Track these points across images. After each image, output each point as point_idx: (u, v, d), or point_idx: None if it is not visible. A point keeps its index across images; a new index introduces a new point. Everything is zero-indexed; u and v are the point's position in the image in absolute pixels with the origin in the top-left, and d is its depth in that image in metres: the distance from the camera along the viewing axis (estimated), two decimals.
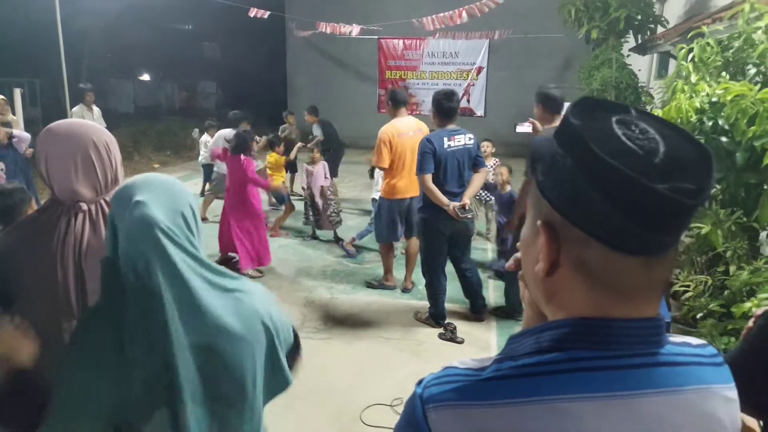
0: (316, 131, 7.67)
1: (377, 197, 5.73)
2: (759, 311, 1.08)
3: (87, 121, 1.37)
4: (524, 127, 6.09)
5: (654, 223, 0.54)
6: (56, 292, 1.18)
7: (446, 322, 4.13)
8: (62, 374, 1.02)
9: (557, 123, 4.29)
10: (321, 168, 6.00)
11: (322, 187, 5.94)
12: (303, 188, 6.20)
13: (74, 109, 7.54)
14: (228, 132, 6.35)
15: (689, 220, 0.57)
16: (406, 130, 4.56)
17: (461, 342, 3.94)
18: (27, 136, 5.81)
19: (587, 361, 0.58)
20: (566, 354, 0.58)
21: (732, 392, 0.63)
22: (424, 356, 3.73)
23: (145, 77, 23.05)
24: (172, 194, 1.09)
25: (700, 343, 0.66)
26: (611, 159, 0.53)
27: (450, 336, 3.99)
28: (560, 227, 0.59)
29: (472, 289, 4.26)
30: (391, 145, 4.49)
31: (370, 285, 4.97)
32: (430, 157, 3.84)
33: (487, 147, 6.03)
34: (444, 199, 3.83)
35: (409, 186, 4.58)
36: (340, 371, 3.52)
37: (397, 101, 4.67)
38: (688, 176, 0.54)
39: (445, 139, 3.88)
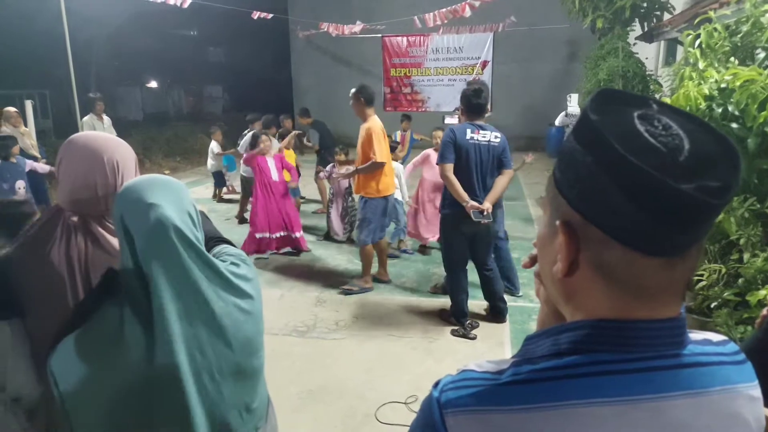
0: (313, 135, 7.69)
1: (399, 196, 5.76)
2: None
3: (108, 136, 1.36)
4: (453, 119, 6.12)
5: (677, 223, 0.52)
6: (65, 303, 1.20)
7: (468, 321, 4.12)
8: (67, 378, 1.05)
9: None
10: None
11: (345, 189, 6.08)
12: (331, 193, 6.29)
13: (84, 119, 7.62)
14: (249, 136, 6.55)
15: (714, 219, 0.55)
16: (382, 127, 4.60)
17: (474, 338, 3.93)
18: (46, 169, 6.01)
19: (609, 365, 0.56)
20: (587, 357, 0.57)
21: (756, 390, 0.62)
22: (437, 354, 3.73)
23: (153, 84, 23.24)
24: (178, 194, 1.15)
25: (721, 340, 0.64)
26: (634, 158, 0.51)
27: (462, 333, 3.98)
28: (579, 227, 0.57)
29: (492, 290, 4.16)
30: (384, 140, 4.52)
31: (348, 291, 4.76)
32: (450, 145, 3.74)
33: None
34: (464, 194, 3.72)
35: (391, 183, 4.71)
36: (353, 370, 3.53)
37: (370, 99, 4.61)
38: (714, 174, 0.52)
39: (469, 130, 3.77)
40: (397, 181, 5.66)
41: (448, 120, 6.71)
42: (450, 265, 4.08)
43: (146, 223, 1.06)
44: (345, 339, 3.97)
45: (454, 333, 4.01)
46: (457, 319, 4.10)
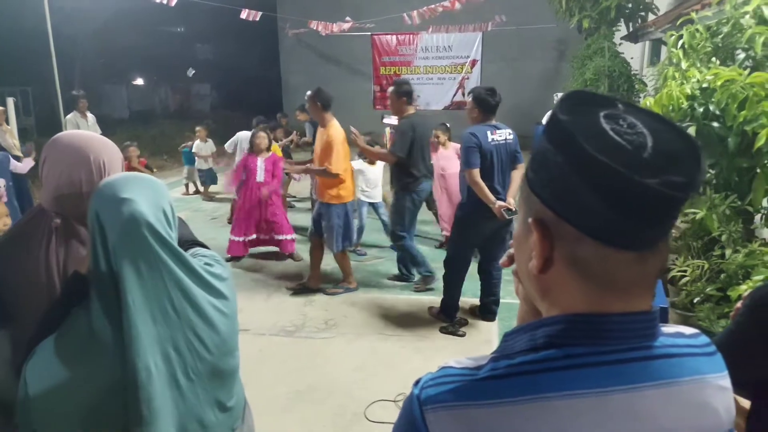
0: (309, 128, 7.68)
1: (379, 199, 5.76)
2: (747, 293, 1.10)
3: (94, 135, 1.33)
4: (391, 120, 6.17)
5: (645, 217, 0.54)
6: (44, 307, 1.17)
7: (459, 317, 4.15)
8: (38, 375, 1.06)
9: (411, 111, 4.33)
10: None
11: None
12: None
13: (68, 116, 7.54)
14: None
15: (678, 213, 0.58)
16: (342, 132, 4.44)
17: (462, 335, 3.96)
18: (24, 168, 5.93)
19: (583, 358, 0.58)
20: (562, 351, 0.58)
21: (725, 381, 0.64)
22: (426, 352, 3.75)
23: (139, 81, 23.00)
24: (155, 191, 1.14)
25: (693, 333, 0.66)
26: (600, 155, 0.53)
27: (452, 330, 4.01)
28: (552, 224, 0.59)
29: (493, 290, 4.19)
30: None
31: (333, 293, 4.73)
32: (476, 151, 3.72)
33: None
34: (491, 196, 3.73)
35: (352, 188, 4.68)
36: (342, 369, 3.55)
37: (327, 103, 4.42)
38: (678, 169, 0.54)
39: (489, 132, 3.78)
40: (364, 183, 5.67)
41: (386, 120, 6.76)
42: (458, 264, 4.06)
43: (119, 218, 1.06)
44: (334, 338, 3.98)
45: (443, 330, 4.03)
46: (448, 315, 4.11)
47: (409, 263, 4.91)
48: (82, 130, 7.36)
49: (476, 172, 3.73)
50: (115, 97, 20.56)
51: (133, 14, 15.18)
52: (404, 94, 4.50)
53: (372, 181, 5.75)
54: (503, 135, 3.85)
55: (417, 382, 0.64)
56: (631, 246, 0.56)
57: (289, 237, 5.59)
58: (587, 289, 0.59)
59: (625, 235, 0.55)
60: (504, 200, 3.79)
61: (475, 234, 3.97)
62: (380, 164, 5.83)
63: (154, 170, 8.42)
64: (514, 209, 3.75)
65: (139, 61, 20.47)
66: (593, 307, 0.59)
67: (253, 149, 5.59)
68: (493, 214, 3.73)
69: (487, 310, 4.23)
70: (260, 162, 5.54)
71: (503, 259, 0.76)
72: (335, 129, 4.38)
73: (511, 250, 0.70)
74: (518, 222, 0.67)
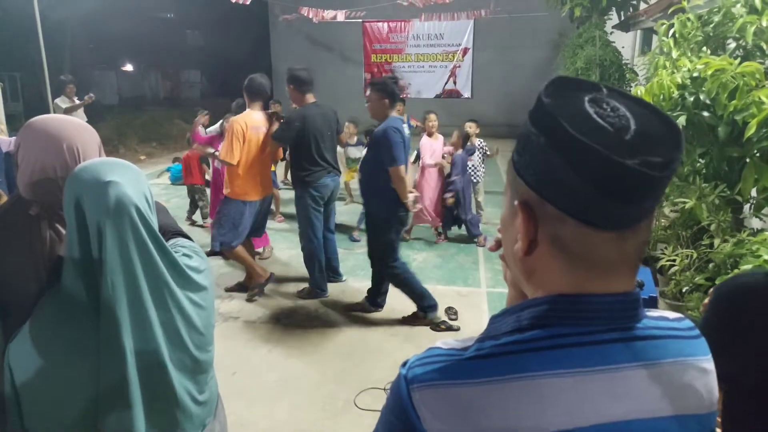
0: None
1: None
2: (712, 289, 1.09)
3: (69, 119, 1.29)
4: (63, 101, 6.14)
5: (625, 197, 0.55)
6: (28, 295, 1.16)
7: (447, 307, 4.13)
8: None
9: (309, 101, 4.06)
10: None
11: None
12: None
13: (56, 100, 7.43)
14: None
15: (659, 193, 0.58)
16: (260, 124, 4.15)
17: (458, 329, 3.90)
18: (6, 141, 5.76)
19: (566, 338, 0.59)
20: (546, 331, 0.59)
21: (708, 364, 0.65)
22: (416, 341, 3.76)
23: (129, 68, 22.69)
24: (136, 176, 1.13)
25: (677, 317, 0.67)
26: (582, 136, 0.54)
27: (447, 325, 3.91)
28: (536, 206, 0.59)
29: (381, 285, 4.09)
30: (244, 138, 4.03)
31: (252, 299, 4.35)
32: (402, 146, 3.65)
33: (471, 128, 5.98)
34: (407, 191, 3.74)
35: (252, 189, 4.17)
36: (331, 358, 3.55)
37: (253, 92, 4.19)
38: (657, 150, 0.55)
39: (405, 126, 3.75)
40: None
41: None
42: (394, 264, 3.84)
43: (105, 201, 1.04)
44: (323, 326, 3.99)
45: (436, 329, 3.88)
46: (426, 310, 3.89)
47: (314, 271, 4.40)
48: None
49: (403, 168, 3.66)
50: (104, 83, 20.27)
51: (122, 0, 14.94)
52: (292, 80, 4.19)
53: None
54: (406, 128, 3.80)
55: (405, 363, 0.65)
56: (611, 225, 0.57)
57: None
58: (570, 269, 0.60)
59: (605, 214, 0.56)
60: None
61: (397, 231, 3.89)
62: None
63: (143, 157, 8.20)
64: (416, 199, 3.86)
65: (129, 47, 20.19)
66: (576, 288, 0.60)
67: (222, 133, 5.27)
68: (405, 208, 3.75)
69: (372, 303, 4.15)
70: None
71: (491, 244, 0.77)
72: (242, 117, 4.10)
73: (498, 235, 0.71)
74: (505, 205, 0.67)
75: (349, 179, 7.04)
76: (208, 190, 6.12)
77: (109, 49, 19.34)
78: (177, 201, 7.55)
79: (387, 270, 3.89)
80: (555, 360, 0.58)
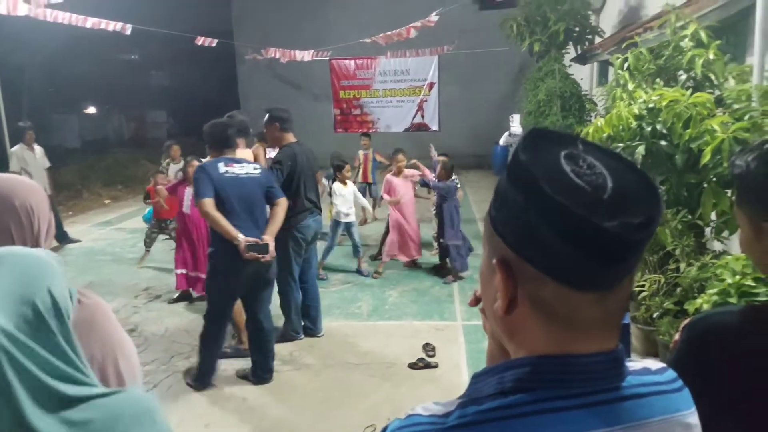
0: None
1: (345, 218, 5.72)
2: (685, 322, 1.09)
3: (18, 179, 1.27)
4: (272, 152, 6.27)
5: (606, 259, 0.54)
6: None
7: (424, 343, 4.08)
8: None
9: (291, 140, 3.93)
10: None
11: None
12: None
13: (14, 148, 7.22)
14: None
15: (640, 252, 0.57)
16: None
17: (436, 366, 3.82)
18: None
19: (552, 402, 0.57)
20: (530, 395, 0.57)
21: (693, 417, 0.64)
22: (394, 380, 3.69)
23: (91, 110, 22.37)
24: (23, 277, 0.82)
25: (660, 368, 0.66)
26: (560, 197, 0.53)
27: (425, 363, 3.84)
28: (516, 265, 0.58)
29: (264, 346, 3.62)
30: None
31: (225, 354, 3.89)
32: (207, 180, 3.26)
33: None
34: (233, 230, 3.21)
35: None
36: (307, 403, 3.44)
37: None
38: (636, 210, 0.54)
39: (221, 165, 3.35)
40: (342, 200, 5.66)
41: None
42: (216, 320, 3.51)
43: None
44: (300, 370, 3.87)
45: (414, 367, 3.79)
46: (201, 382, 3.54)
47: (290, 313, 4.20)
48: (29, 162, 7.05)
49: (207, 201, 3.22)
50: (65, 127, 19.86)
51: (85, 42, 14.82)
52: (275, 119, 4.03)
53: (348, 201, 5.73)
54: (245, 169, 3.42)
55: (384, 430, 0.62)
56: (592, 287, 0.56)
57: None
58: (551, 330, 0.58)
59: (587, 276, 0.55)
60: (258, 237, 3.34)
61: (229, 279, 3.39)
62: (350, 183, 5.85)
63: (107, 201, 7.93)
64: (261, 243, 3.29)
65: (92, 90, 19.95)
66: (559, 348, 0.58)
67: (186, 178, 5.08)
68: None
69: (261, 375, 3.63)
70: (189, 192, 4.92)
71: (470, 299, 0.75)
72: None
73: (478, 289, 0.70)
74: (483, 260, 0.66)
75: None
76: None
77: (70, 92, 19.07)
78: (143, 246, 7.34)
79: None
80: (541, 426, 0.56)
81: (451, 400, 0.63)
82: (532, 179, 0.54)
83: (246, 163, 3.53)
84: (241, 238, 3.22)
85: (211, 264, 3.47)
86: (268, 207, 3.62)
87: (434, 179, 5.79)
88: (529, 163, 0.56)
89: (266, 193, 3.51)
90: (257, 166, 3.55)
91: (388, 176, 5.90)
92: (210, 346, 3.54)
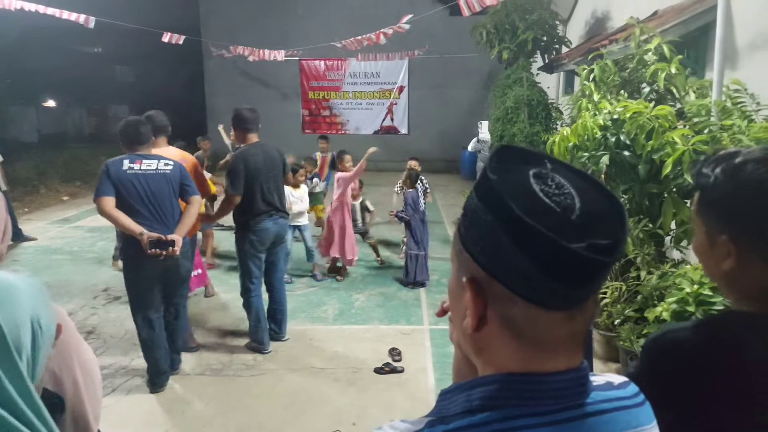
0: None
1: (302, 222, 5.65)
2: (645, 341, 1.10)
3: None
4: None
5: (574, 279, 0.55)
6: None
7: (390, 347, 4.06)
8: None
9: (252, 141, 3.93)
10: None
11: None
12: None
13: None
14: None
15: (606, 273, 0.58)
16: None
17: (402, 371, 3.81)
18: None
19: (519, 420, 0.57)
20: (498, 413, 0.58)
21: (654, 430, 0.66)
22: (359, 384, 3.66)
23: (51, 103, 21.54)
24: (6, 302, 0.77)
25: (621, 382, 0.67)
26: (529, 218, 0.53)
27: (391, 368, 3.82)
28: (485, 283, 0.58)
29: (172, 345, 3.66)
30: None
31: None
32: (105, 178, 3.24)
33: (414, 166, 6.08)
34: (134, 226, 3.21)
35: None
36: (272, 407, 3.38)
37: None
38: (603, 231, 0.55)
39: (126, 161, 3.31)
40: (301, 204, 5.59)
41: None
42: (142, 317, 3.47)
43: None
44: (264, 374, 3.80)
45: (380, 371, 3.79)
46: (155, 384, 3.52)
47: (251, 322, 4.12)
48: None
49: (106, 200, 3.21)
50: (23, 119, 19.08)
51: (47, 32, 14.31)
52: (236, 119, 3.99)
53: (301, 204, 5.65)
54: (153, 165, 3.37)
55: None
56: (560, 306, 0.57)
57: (198, 271, 4.90)
58: (520, 347, 0.59)
59: (555, 296, 0.56)
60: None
61: (142, 277, 3.39)
62: (304, 187, 5.77)
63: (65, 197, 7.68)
64: (166, 240, 3.26)
65: (52, 82, 19.24)
66: (526, 366, 0.59)
67: None
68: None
69: (158, 382, 3.55)
70: None
71: (438, 310, 0.74)
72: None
73: (446, 302, 0.70)
74: (452, 275, 0.66)
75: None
76: None
77: (29, 84, 18.36)
78: (103, 244, 7.11)
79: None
80: None
81: (419, 418, 0.62)
82: (502, 200, 0.55)
83: (158, 159, 3.43)
84: (144, 234, 3.21)
85: (122, 259, 3.57)
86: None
87: (399, 187, 5.82)
88: (498, 182, 0.56)
89: (180, 190, 3.49)
90: (170, 162, 3.45)
91: (338, 174, 5.84)
92: (145, 342, 3.52)
